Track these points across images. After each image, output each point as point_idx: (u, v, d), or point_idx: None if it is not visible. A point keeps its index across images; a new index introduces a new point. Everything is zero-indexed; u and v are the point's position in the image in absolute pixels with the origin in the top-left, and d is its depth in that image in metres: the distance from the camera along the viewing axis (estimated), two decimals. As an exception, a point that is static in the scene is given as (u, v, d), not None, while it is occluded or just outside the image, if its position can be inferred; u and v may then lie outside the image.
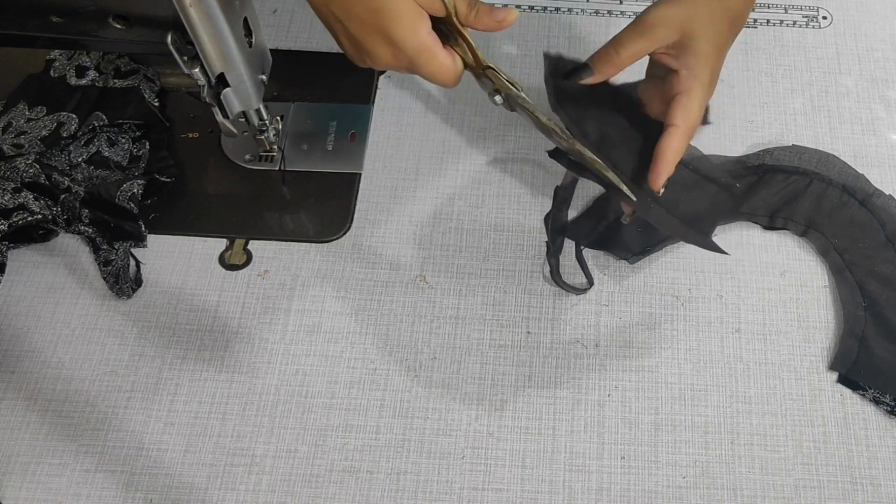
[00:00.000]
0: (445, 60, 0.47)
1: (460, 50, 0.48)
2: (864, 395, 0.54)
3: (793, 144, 0.62)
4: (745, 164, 0.61)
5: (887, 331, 0.55)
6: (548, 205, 0.60)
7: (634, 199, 0.48)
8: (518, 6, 0.71)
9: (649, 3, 0.70)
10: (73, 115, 0.61)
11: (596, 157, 0.48)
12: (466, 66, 0.49)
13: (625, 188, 0.48)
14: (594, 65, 0.51)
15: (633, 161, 0.51)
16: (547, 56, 0.54)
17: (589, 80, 0.51)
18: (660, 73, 0.52)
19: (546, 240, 0.59)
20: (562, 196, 0.60)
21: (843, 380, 0.54)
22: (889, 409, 0.53)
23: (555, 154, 0.54)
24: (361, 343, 0.56)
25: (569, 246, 0.59)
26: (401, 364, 0.55)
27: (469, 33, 0.48)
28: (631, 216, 0.54)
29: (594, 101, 0.52)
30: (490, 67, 0.48)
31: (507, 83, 0.48)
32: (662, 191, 0.50)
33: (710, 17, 0.50)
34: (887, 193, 0.60)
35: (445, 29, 0.48)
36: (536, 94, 0.66)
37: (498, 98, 0.49)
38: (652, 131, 0.52)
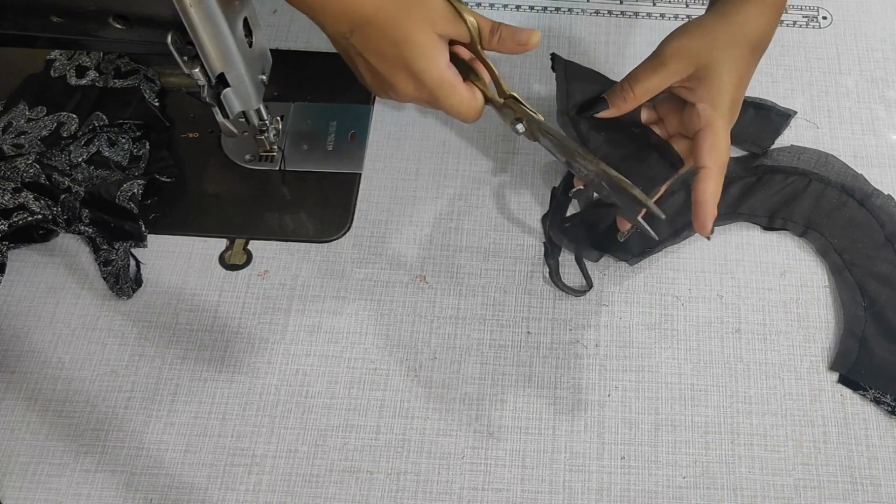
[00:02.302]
0: (466, 94, 0.47)
1: (480, 84, 0.48)
2: (864, 396, 0.54)
3: (791, 145, 0.62)
4: (745, 165, 0.61)
5: (887, 331, 0.55)
6: (547, 205, 0.60)
7: (662, 217, 0.48)
8: (518, 6, 0.71)
9: (649, 5, 0.71)
10: (74, 115, 0.61)
11: (620, 175, 0.48)
12: (487, 99, 0.49)
13: (652, 206, 0.48)
14: (610, 100, 0.51)
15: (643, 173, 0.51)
16: (556, 59, 0.54)
17: (605, 114, 0.52)
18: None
19: (544, 241, 0.59)
20: (559, 198, 0.60)
21: (844, 380, 0.54)
22: (890, 409, 0.53)
23: (574, 194, 0.56)
24: (361, 343, 0.56)
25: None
26: (401, 364, 0.55)
27: (491, 61, 0.48)
28: (626, 234, 0.55)
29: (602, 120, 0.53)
30: (513, 96, 0.49)
31: (529, 111, 0.49)
32: (712, 235, 0.50)
33: (729, 44, 0.48)
34: (886, 193, 0.60)
35: (464, 65, 0.48)
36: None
37: (520, 126, 0.50)
38: (653, 144, 0.52)
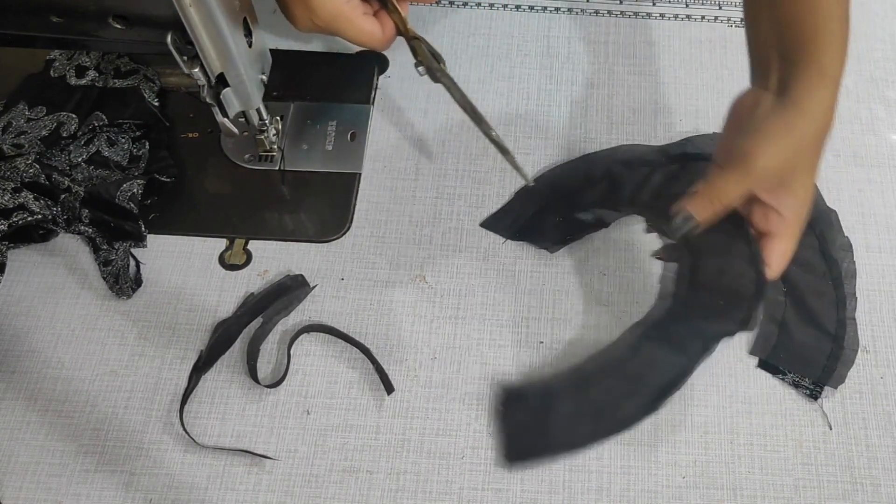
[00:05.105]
0: (366, 27, 0.47)
1: (395, 16, 0.48)
2: (783, 380, 0.54)
3: (714, 132, 0.62)
4: (667, 153, 0.61)
5: (807, 315, 0.55)
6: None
7: (531, 182, 0.49)
8: (518, 6, 0.71)
9: (649, 5, 0.71)
10: (73, 115, 0.61)
11: (497, 138, 0.49)
12: (400, 32, 0.49)
13: (521, 172, 0.49)
14: (695, 211, 0.48)
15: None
16: None
17: (697, 231, 0.48)
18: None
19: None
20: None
21: (763, 364, 0.55)
22: (808, 392, 0.53)
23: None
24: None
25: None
26: (401, 364, 0.55)
27: (405, 5, 0.48)
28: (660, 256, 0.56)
29: None
30: (416, 38, 0.49)
31: (429, 55, 0.49)
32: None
33: (811, 144, 0.46)
34: None
35: None
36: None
37: (421, 69, 0.50)
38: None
